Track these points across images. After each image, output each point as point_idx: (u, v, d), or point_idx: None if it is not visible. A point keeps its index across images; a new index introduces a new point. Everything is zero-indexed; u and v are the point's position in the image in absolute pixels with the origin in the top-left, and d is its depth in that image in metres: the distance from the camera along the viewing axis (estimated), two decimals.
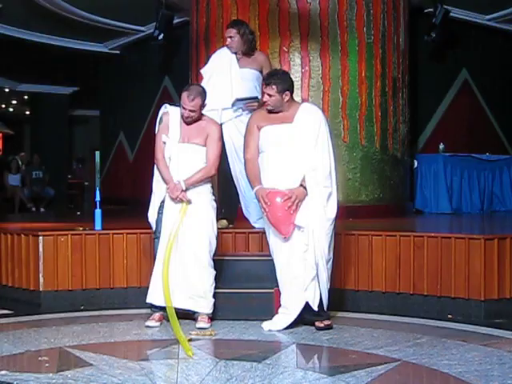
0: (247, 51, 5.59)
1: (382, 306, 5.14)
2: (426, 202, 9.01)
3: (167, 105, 4.77)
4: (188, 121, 4.60)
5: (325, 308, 4.47)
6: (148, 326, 4.54)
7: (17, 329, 4.59)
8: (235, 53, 5.57)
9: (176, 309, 4.27)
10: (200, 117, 4.65)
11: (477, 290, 4.86)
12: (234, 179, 5.57)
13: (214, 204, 4.71)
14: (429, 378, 3.55)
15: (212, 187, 4.74)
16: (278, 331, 4.40)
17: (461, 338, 4.23)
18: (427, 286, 5.06)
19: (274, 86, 4.45)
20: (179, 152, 4.58)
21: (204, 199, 4.62)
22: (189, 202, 4.52)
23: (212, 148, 4.62)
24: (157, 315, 4.62)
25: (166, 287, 4.28)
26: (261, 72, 5.52)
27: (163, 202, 4.62)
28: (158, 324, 4.58)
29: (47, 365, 3.65)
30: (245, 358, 3.72)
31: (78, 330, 4.52)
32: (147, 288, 4.66)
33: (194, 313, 4.60)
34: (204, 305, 4.58)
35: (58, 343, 4.12)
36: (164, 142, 4.62)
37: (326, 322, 4.46)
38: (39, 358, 3.76)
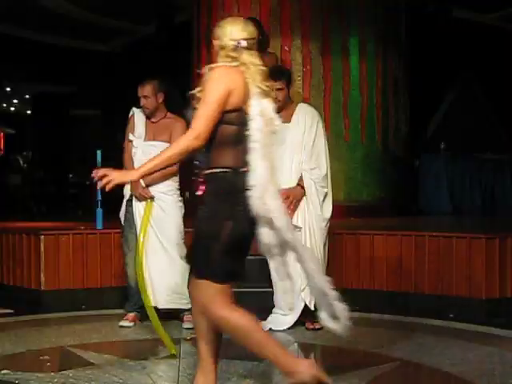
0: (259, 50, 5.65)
1: (384, 305, 5.14)
2: (427, 201, 9.00)
3: (134, 108, 4.81)
4: (146, 112, 4.66)
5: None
6: (122, 326, 4.55)
7: (18, 328, 4.59)
8: None
9: (161, 309, 4.28)
10: (165, 114, 4.71)
11: (478, 289, 4.86)
12: None
13: (181, 204, 4.68)
14: (430, 378, 3.55)
15: (179, 188, 4.72)
16: (279, 331, 4.39)
17: (462, 337, 4.22)
18: (428, 285, 5.07)
19: (283, 80, 4.44)
20: (144, 150, 4.59)
21: (169, 199, 4.59)
22: (152, 198, 4.50)
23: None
24: (130, 315, 4.63)
25: (142, 287, 4.22)
26: None
27: (129, 200, 4.62)
28: (131, 324, 4.59)
29: (49, 364, 3.66)
30: (246, 357, 3.71)
31: (79, 329, 4.52)
32: None
33: (180, 312, 4.59)
34: (184, 301, 4.53)
35: (60, 342, 4.12)
36: (130, 141, 4.66)
37: (317, 326, 4.37)
38: (41, 358, 3.76)
